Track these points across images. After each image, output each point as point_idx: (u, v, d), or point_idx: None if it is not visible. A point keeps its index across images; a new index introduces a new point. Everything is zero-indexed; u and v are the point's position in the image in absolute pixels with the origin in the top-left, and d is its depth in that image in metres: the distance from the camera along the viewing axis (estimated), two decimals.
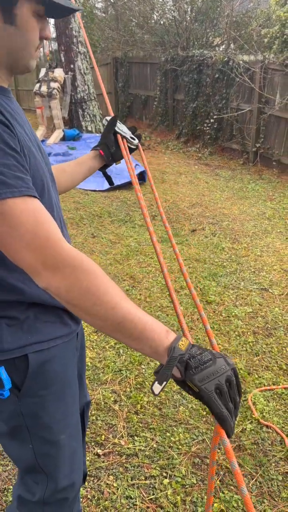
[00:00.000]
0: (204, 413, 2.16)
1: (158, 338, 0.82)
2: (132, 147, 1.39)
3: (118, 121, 1.39)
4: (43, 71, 7.60)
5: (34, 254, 0.81)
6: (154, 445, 1.97)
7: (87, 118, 8.40)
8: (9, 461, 1.88)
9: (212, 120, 7.43)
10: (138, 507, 1.71)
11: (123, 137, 1.37)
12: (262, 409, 2.18)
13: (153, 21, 10.31)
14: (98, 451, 1.94)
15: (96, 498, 1.74)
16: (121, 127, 1.39)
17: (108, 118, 1.40)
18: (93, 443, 1.98)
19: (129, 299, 0.85)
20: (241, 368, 2.46)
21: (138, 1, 10.47)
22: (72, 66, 8.10)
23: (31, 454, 1.08)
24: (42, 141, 7.48)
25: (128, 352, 2.58)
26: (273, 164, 6.48)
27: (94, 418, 2.12)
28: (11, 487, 1.78)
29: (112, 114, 1.44)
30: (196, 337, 2.70)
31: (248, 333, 2.78)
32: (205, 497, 1.75)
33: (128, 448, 1.96)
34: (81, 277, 0.82)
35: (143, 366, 2.46)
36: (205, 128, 7.63)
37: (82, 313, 0.85)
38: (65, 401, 1.09)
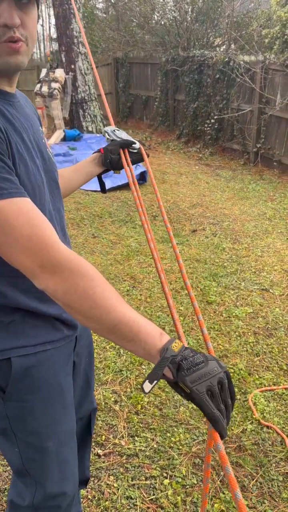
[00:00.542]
0: None
1: (151, 340, 0.83)
2: (134, 151, 1.37)
3: (118, 128, 1.39)
4: (44, 71, 7.61)
5: (31, 257, 0.81)
6: (155, 446, 1.97)
7: (88, 118, 8.40)
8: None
9: (212, 121, 7.43)
10: (138, 507, 1.71)
11: (125, 144, 1.35)
12: (263, 410, 2.18)
13: (153, 21, 10.32)
14: (99, 451, 1.94)
15: (96, 498, 1.74)
16: (121, 134, 1.38)
17: (109, 128, 1.39)
18: (93, 444, 1.98)
19: (125, 302, 0.86)
20: (241, 369, 2.46)
21: (139, 1, 10.47)
22: (73, 66, 8.11)
23: (19, 457, 1.07)
24: None
25: (128, 353, 2.57)
26: (273, 164, 6.48)
27: None
28: None
29: (110, 117, 1.44)
30: (197, 338, 2.70)
31: (249, 333, 2.78)
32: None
33: (128, 448, 1.96)
34: (78, 280, 0.82)
35: (143, 367, 2.46)
36: (205, 129, 7.63)
37: (78, 315, 0.85)
38: (54, 407, 1.06)
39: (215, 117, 7.36)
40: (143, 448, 1.96)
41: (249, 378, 2.40)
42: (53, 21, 10.00)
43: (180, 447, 1.97)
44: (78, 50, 8.07)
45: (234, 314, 2.98)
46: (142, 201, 1.17)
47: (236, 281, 3.41)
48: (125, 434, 2.03)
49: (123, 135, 1.39)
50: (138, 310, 3.01)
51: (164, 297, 3.16)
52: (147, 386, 0.81)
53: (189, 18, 8.82)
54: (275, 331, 2.81)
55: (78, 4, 8.08)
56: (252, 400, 2.23)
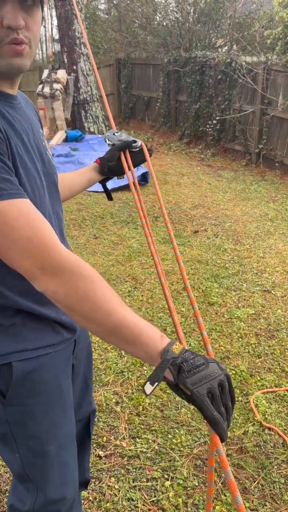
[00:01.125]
0: None
1: (152, 343, 0.82)
2: (135, 150, 1.37)
3: (117, 131, 1.38)
4: (46, 72, 7.62)
5: (31, 259, 0.81)
6: (156, 447, 1.97)
7: (90, 119, 8.40)
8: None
9: (214, 121, 7.43)
10: (139, 509, 1.70)
11: (124, 146, 1.35)
12: (264, 411, 2.17)
13: (155, 22, 10.32)
14: (100, 452, 1.94)
15: (97, 500, 1.73)
16: (120, 136, 1.37)
17: (109, 132, 1.38)
18: (94, 445, 1.98)
19: (126, 304, 0.85)
20: (243, 370, 2.46)
21: (141, 2, 10.47)
22: (75, 67, 8.11)
23: (19, 462, 1.06)
24: None
25: None
26: (275, 165, 6.47)
27: (95, 419, 2.11)
28: None
29: (111, 119, 1.43)
30: (198, 339, 2.70)
31: (251, 334, 2.78)
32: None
33: (129, 450, 1.96)
34: (79, 282, 0.82)
35: (145, 368, 2.46)
36: (207, 129, 7.63)
37: (79, 318, 0.84)
38: (54, 411, 1.06)
39: (217, 118, 7.36)
40: (144, 450, 1.96)
41: (251, 379, 2.39)
42: (55, 22, 10.01)
43: (182, 448, 1.97)
44: (80, 51, 8.08)
45: (235, 315, 2.97)
46: (143, 203, 1.17)
47: (238, 282, 3.40)
48: (126, 435, 2.03)
49: (123, 136, 1.38)
50: (139, 311, 3.01)
51: (165, 298, 3.16)
52: (149, 388, 0.81)
53: (191, 19, 8.82)
54: (277, 333, 2.80)
55: (80, 5, 8.09)
56: (253, 402, 2.22)
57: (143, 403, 2.21)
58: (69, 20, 7.90)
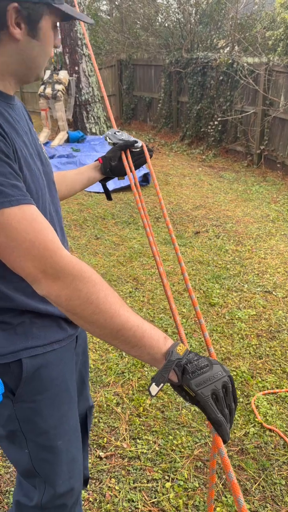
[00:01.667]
0: None
1: (156, 345, 0.83)
2: (136, 150, 1.36)
3: (119, 130, 1.38)
4: (47, 73, 7.62)
5: (33, 263, 0.81)
6: (157, 448, 1.97)
7: (91, 120, 8.41)
8: (11, 463, 1.88)
9: (216, 122, 7.43)
10: (140, 510, 1.70)
11: (125, 146, 1.34)
12: (265, 413, 2.16)
13: (157, 23, 10.33)
14: (100, 453, 1.93)
15: (98, 501, 1.73)
16: (122, 136, 1.37)
17: (110, 131, 1.38)
18: (95, 446, 1.98)
19: (128, 307, 0.86)
20: (244, 371, 2.45)
21: (143, 3, 10.48)
22: (76, 68, 8.12)
23: (28, 458, 1.07)
24: (46, 143, 7.49)
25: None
26: (277, 166, 6.46)
27: (96, 420, 2.11)
28: (13, 488, 1.77)
29: (113, 119, 1.43)
30: (199, 340, 2.69)
31: (252, 336, 2.77)
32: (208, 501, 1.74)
33: (130, 451, 1.95)
34: (81, 286, 0.82)
35: (145, 369, 2.46)
36: (209, 130, 7.63)
37: (81, 321, 0.85)
38: (61, 406, 1.08)
39: (219, 119, 7.36)
40: (145, 451, 1.95)
41: (252, 381, 2.39)
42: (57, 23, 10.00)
43: (182, 450, 1.96)
44: (82, 51, 8.09)
45: (237, 316, 2.96)
46: (144, 204, 1.17)
47: (239, 283, 3.40)
48: (127, 436, 2.03)
49: (124, 136, 1.37)
50: (140, 311, 3.01)
51: (167, 299, 3.16)
52: (154, 389, 0.81)
53: (192, 20, 8.82)
54: (278, 334, 2.80)
55: (82, 6, 8.10)
56: (254, 403, 2.22)
57: (144, 404, 2.20)
58: (71, 21, 7.90)
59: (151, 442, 2.00)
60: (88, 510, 1.70)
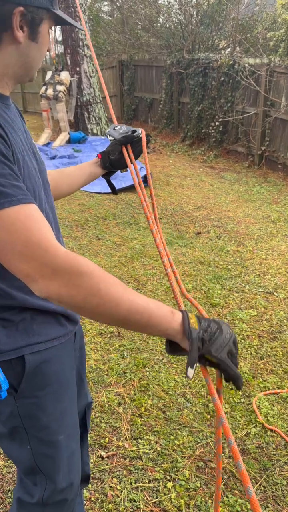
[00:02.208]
0: (208, 416, 2.15)
1: (165, 321, 0.86)
2: (136, 139, 1.36)
3: (117, 125, 1.38)
4: (49, 74, 7.64)
5: (29, 263, 0.81)
6: (158, 448, 1.97)
7: (93, 120, 8.42)
8: (12, 462, 1.88)
9: (217, 123, 7.44)
10: (141, 510, 1.70)
11: (126, 141, 1.34)
12: (267, 413, 2.17)
13: (159, 24, 10.35)
14: (102, 453, 1.94)
15: (99, 500, 1.73)
16: (121, 129, 1.37)
17: (110, 127, 1.39)
18: (97, 446, 1.98)
19: (131, 289, 0.87)
20: (245, 372, 2.46)
21: (144, 4, 10.50)
22: (78, 69, 8.13)
23: (30, 455, 1.08)
24: (48, 144, 7.51)
25: (132, 355, 2.57)
26: (278, 167, 6.46)
27: (98, 420, 2.12)
28: None
29: (114, 119, 1.44)
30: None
31: (253, 336, 2.77)
32: (209, 501, 1.74)
33: (132, 451, 1.96)
34: (80, 281, 0.82)
35: (147, 369, 2.46)
36: (210, 131, 7.63)
37: (89, 314, 0.86)
38: (62, 401, 1.09)
39: (220, 119, 7.37)
40: (146, 451, 1.96)
41: (253, 381, 2.39)
42: None
43: (184, 450, 1.97)
44: (83, 52, 8.10)
45: (238, 317, 2.97)
46: (148, 200, 1.18)
47: (240, 284, 3.40)
48: (128, 436, 2.03)
49: (123, 129, 1.37)
50: None
51: (168, 299, 3.16)
52: (190, 372, 0.85)
53: (194, 21, 8.83)
54: (280, 334, 2.80)
55: (84, 7, 8.11)
56: (256, 404, 2.22)
57: (145, 404, 2.21)
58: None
59: (153, 442, 2.00)
60: (90, 509, 1.70)
